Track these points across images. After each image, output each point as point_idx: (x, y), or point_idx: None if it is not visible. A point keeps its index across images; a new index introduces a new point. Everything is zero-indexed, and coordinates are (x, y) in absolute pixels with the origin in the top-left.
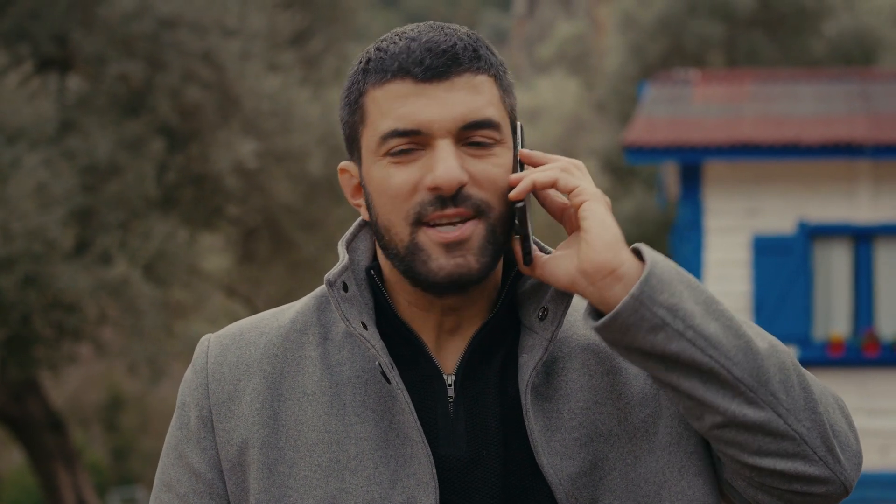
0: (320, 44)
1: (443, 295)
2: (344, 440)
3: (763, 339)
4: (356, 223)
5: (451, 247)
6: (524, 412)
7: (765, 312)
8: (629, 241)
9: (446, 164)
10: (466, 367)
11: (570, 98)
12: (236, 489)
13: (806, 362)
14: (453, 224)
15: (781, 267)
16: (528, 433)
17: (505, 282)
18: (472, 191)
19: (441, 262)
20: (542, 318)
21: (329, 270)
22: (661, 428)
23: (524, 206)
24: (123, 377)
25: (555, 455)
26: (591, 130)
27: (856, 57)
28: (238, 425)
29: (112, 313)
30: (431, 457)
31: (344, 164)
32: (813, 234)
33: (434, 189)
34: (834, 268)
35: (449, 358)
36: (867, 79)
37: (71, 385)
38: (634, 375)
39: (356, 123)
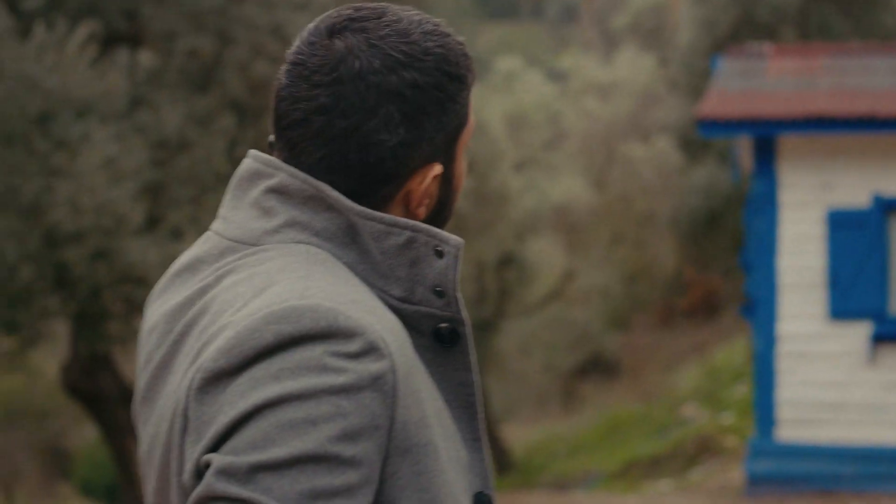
0: None
1: None
2: (456, 439)
3: None
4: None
5: None
6: None
7: (840, 287)
8: (700, 217)
9: None
10: None
11: (644, 72)
12: (409, 471)
13: (881, 337)
14: None
15: (856, 241)
16: None
17: None
18: None
19: None
20: None
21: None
22: None
23: None
24: None
25: None
26: (664, 105)
27: None
28: (414, 403)
29: None
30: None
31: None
32: (888, 208)
33: None
34: None
35: None
36: None
37: None
38: None
39: (459, 126)
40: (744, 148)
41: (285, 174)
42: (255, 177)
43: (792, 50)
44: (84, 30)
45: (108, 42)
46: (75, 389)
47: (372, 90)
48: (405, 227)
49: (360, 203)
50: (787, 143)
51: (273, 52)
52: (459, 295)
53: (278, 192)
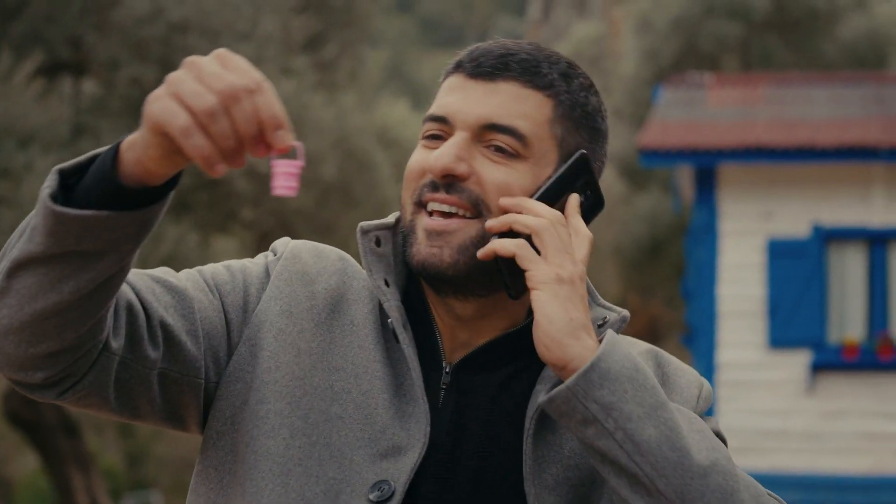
0: (335, 48)
1: (434, 288)
2: (361, 374)
3: (707, 456)
4: None
5: (431, 235)
6: (525, 435)
7: (779, 316)
8: (644, 246)
9: (441, 150)
10: (467, 364)
11: None
12: (247, 353)
13: (821, 366)
14: (444, 215)
15: (796, 270)
16: (524, 457)
17: None
18: (471, 186)
19: (420, 248)
20: None
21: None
22: None
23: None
24: None
25: (543, 488)
26: None
27: (869, 60)
28: (304, 299)
29: None
30: (429, 416)
31: None
32: (828, 237)
33: (428, 171)
34: (848, 271)
35: (456, 352)
36: (881, 82)
37: None
38: None
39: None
40: (685, 177)
41: None
42: None
43: (732, 80)
44: (32, 62)
45: (52, 70)
46: (16, 418)
47: None
48: None
49: None
50: (728, 172)
51: None
52: (378, 283)
53: None
